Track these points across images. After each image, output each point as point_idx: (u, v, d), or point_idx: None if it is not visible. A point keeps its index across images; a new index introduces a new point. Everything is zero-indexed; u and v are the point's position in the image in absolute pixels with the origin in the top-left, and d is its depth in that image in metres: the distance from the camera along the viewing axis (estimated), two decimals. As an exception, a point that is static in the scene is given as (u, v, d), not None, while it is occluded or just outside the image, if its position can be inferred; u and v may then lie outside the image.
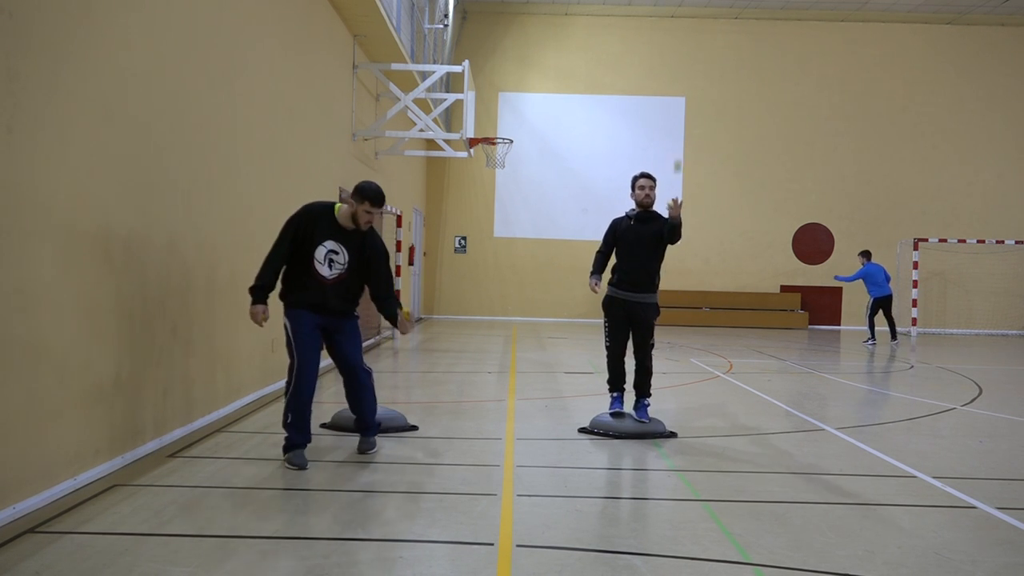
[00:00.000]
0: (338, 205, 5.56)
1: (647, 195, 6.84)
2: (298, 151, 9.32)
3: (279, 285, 5.61)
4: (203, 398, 6.57)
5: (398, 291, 14.78)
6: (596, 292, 7.03)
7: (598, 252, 7.19)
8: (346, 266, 5.45)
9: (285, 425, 5.52)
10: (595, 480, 5.37)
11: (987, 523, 4.54)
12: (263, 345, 8.15)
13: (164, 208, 5.76)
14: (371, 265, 5.56)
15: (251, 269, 7.67)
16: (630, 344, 6.87)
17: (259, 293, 5.46)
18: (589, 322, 21.40)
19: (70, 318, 4.58)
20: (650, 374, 6.81)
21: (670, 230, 6.52)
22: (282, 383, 8.67)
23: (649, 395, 6.82)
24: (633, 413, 6.74)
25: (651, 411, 7.01)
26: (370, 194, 5.38)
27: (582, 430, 6.74)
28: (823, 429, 7.15)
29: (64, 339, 4.53)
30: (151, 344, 5.59)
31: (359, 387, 5.78)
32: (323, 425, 6.68)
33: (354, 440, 6.17)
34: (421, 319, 21.05)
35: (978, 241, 20.90)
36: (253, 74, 7.70)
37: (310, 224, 5.42)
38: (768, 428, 7.17)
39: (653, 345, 6.80)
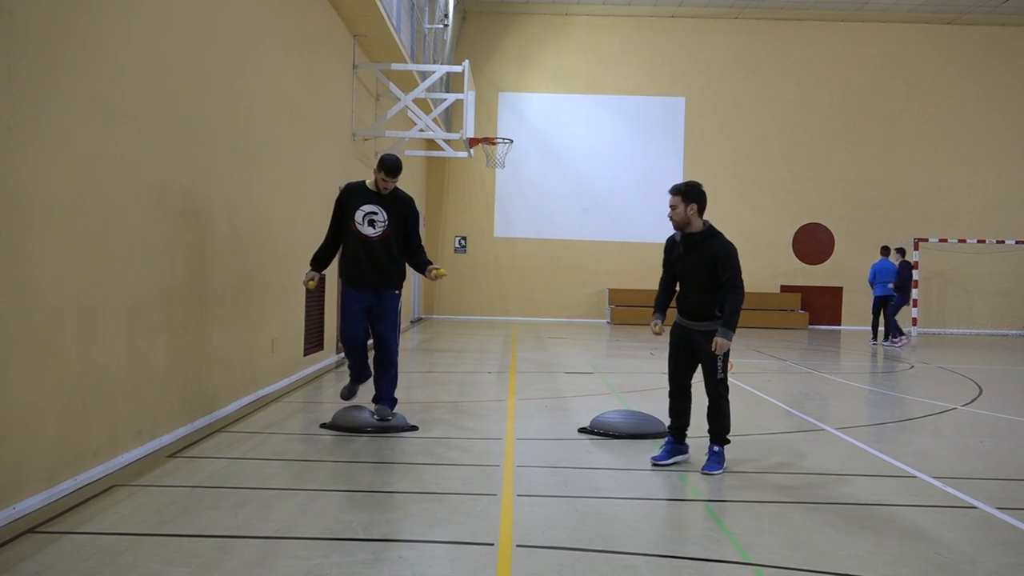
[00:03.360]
0: (368, 180, 6.64)
1: (670, 215, 5.71)
2: (298, 151, 9.32)
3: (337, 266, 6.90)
4: (203, 398, 6.57)
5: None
6: (657, 334, 6.01)
7: (660, 280, 6.01)
8: (387, 223, 6.50)
9: (348, 366, 6.86)
10: (595, 480, 5.37)
11: (987, 523, 4.54)
12: (263, 345, 8.15)
13: (163, 208, 5.76)
14: (407, 222, 6.61)
15: (252, 269, 7.72)
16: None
17: (314, 263, 6.68)
18: (589, 322, 21.41)
19: (70, 318, 4.58)
20: (724, 416, 5.63)
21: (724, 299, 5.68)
22: (282, 383, 8.75)
23: (723, 442, 5.63)
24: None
25: (651, 411, 7.00)
26: (384, 164, 6.44)
27: (582, 430, 6.73)
28: (823, 429, 7.15)
29: (64, 339, 4.53)
30: (151, 344, 5.59)
31: (385, 367, 6.64)
32: (323, 425, 6.68)
33: (354, 440, 6.21)
34: (421, 319, 21.05)
35: (978, 241, 20.90)
36: (253, 74, 7.69)
37: (348, 197, 6.57)
38: (768, 428, 7.17)
39: (723, 381, 5.65)
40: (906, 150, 21.87)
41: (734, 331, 5.55)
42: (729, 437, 5.67)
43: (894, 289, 16.28)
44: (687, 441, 5.88)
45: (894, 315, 16.37)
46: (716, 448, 5.61)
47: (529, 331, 18.11)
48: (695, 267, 5.67)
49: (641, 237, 21.45)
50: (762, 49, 21.86)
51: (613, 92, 21.87)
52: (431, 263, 6.71)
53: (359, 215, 6.47)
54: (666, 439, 5.90)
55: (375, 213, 6.49)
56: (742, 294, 5.63)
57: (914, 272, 19.78)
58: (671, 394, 5.91)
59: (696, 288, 5.70)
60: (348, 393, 6.81)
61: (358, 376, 6.78)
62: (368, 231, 6.47)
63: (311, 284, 6.61)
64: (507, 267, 21.94)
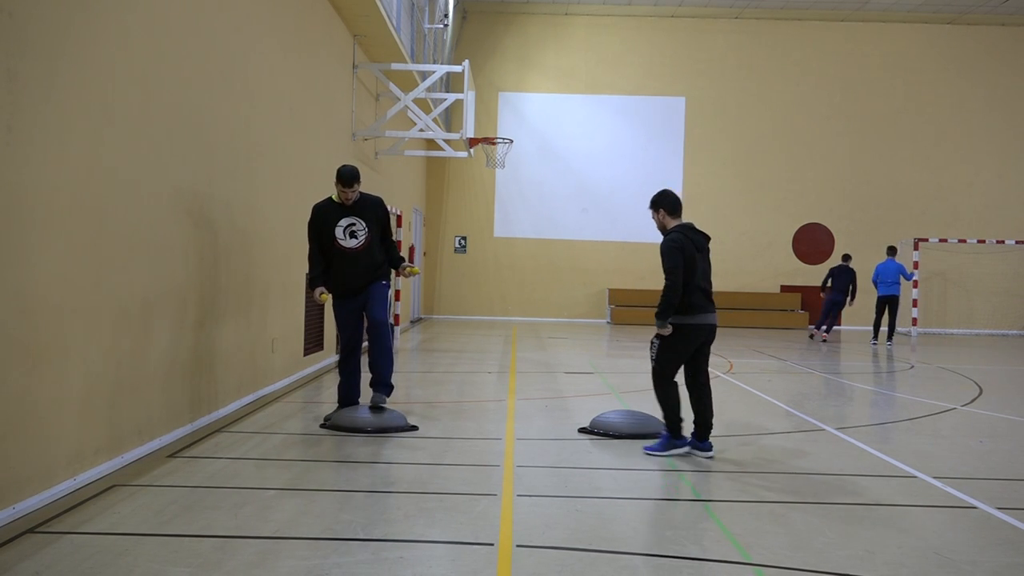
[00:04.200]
0: (333, 194, 6.73)
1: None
2: (298, 151, 9.32)
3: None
4: (203, 398, 6.57)
5: (398, 292, 14.90)
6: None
7: None
8: (367, 231, 6.61)
9: (338, 387, 6.96)
10: (595, 480, 5.36)
11: (987, 523, 4.54)
12: (263, 345, 8.15)
13: (163, 208, 5.76)
14: (382, 222, 6.73)
15: (252, 270, 7.72)
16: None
17: (314, 282, 6.75)
18: (589, 322, 21.41)
19: (70, 318, 4.58)
20: (660, 401, 6.04)
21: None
22: (282, 383, 8.75)
23: (666, 428, 5.99)
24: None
25: (651, 411, 6.95)
26: (339, 176, 6.56)
27: (582, 430, 6.73)
28: (823, 429, 7.15)
29: (64, 339, 4.53)
30: (151, 344, 5.59)
31: (379, 343, 6.67)
32: (322, 425, 6.68)
33: (354, 440, 6.21)
34: (421, 319, 21.05)
35: (978, 241, 20.90)
36: (253, 74, 7.69)
37: (321, 217, 6.66)
38: (768, 428, 7.17)
39: (654, 370, 6.04)
40: (906, 150, 21.87)
41: (661, 320, 5.89)
42: (697, 430, 5.98)
43: (838, 292, 16.92)
44: (711, 440, 6.01)
45: (835, 312, 17.01)
46: (664, 433, 6.00)
47: (529, 331, 18.11)
48: None
49: (641, 237, 21.44)
50: (762, 49, 21.86)
51: (613, 92, 21.87)
52: (403, 259, 6.94)
53: (339, 231, 6.59)
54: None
55: (354, 224, 6.61)
56: (669, 287, 5.85)
57: (914, 272, 19.78)
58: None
59: None
60: (329, 416, 6.76)
61: (346, 398, 6.83)
62: (351, 243, 6.59)
63: (324, 297, 6.69)
64: (507, 267, 21.94)
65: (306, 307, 9.80)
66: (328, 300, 6.78)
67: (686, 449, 5.96)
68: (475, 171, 21.60)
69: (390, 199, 14.45)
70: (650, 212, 6.21)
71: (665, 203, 6.13)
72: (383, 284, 6.79)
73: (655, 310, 5.91)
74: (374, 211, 6.71)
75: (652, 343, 6.05)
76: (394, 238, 7.02)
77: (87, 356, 4.77)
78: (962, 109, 21.82)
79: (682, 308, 5.86)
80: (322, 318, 10.57)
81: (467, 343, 14.86)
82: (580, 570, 3.67)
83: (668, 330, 5.89)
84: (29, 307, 4.21)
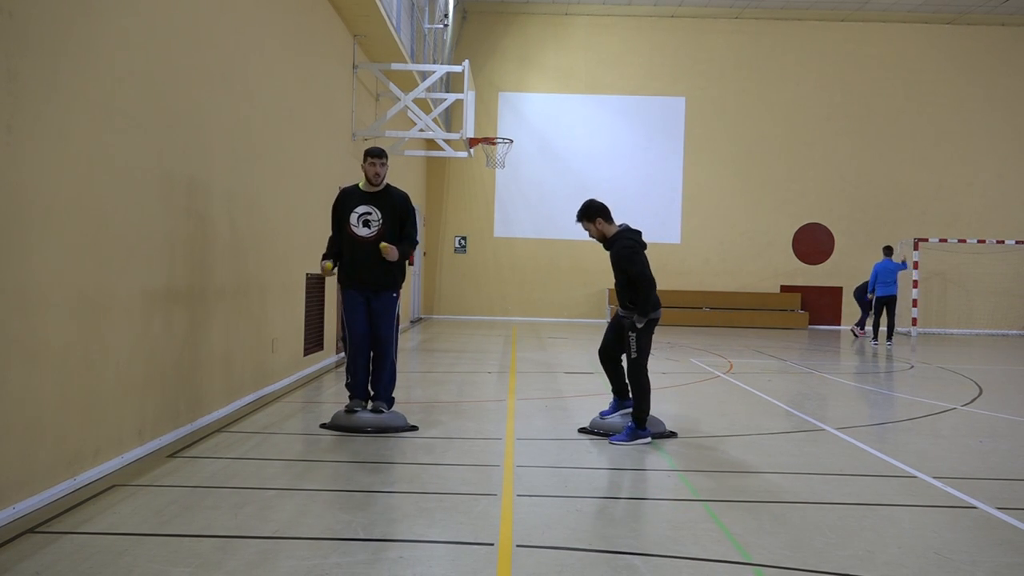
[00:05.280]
0: (361, 182, 6.65)
1: (591, 237, 6.66)
2: (298, 151, 9.32)
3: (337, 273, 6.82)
4: (203, 398, 6.57)
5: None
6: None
7: None
8: (380, 222, 6.52)
9: (346, 385, 6.73)
10: (595, 480, 5.37)
11: (987, 523, 4.53)
12: (263, 345, 8.15)
13: (163, 208, 5.76)
14: (402, 217, 6.64)
15: (252, 268, 7.72)
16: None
17: (324, 256, 6.76)
18: (589, 322, 21.40)
19: (70, 318, 4.58)
20: (639, 395, 6.34)
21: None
22: (282, 383, 8.74)
23: (636, 420, 6.32)
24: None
25: (651, 410, 6.99)
26: (367, 151, 6.57)
27: (582, 430, 6.73)
28: (823, 429, 7.15)
29: (64, 339, 4.53)
30: (151, 344, 5.59)
31: (380, 363, 6.66)
32: (323, 425, 6.68)
33: (354, 440, 6.22)
34: (421, 319, 21.05)
35: (978, 241, 20.90)
36: (253, 74, 7.69)
37: (342, 200, 6.66)
38: (768, 428, 7.17)
39: (635, 360, 6.35)
40: (906, 150, 21.88)
41: (644, 316, 6.30)
42: (663, 427, 6.48)
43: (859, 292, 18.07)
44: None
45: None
46: (630, 424, 6.32)
47: (529, 331, 18.11)
48: (612, 264, 6.49)
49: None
50: (762, 49, 21.87)
51: (613, 92, 21.87)
52: (408, 255, 6.72)
53: (353, 217, 6.52)
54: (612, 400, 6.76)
55: (369, 213, 6.52)
56: (647, 286, 6.27)
57: (914, 272, 19.81)
58: (602, 363, 6.78)
59: (616, 281, 6.50)
60: (347, 411, 6.56)
61: (360, 391, 6.60)
62: (363, 232, 6.50)
63: (328, 266, 6.60)
64: (507, 267, 21.95)
65: (306, 307, 9.80)
66: (331, 269, 6.61)
67: (648, 439, 6.31)
68: (475, 171, 21.60)
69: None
70: (583, 225, 6.53)
71: (600, 212, 6.47)
72: (393, 296, 6.65)
73: (638, 309, 6.30)
74: (393, 204, 6.56)
75: (630, 337, 6.36)
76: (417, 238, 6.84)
77: (87, 356, 4.77)
78: (962, 109, 21.82)
79: (654, 304, 6.37)
80: (322, 318, 10.58)
81: (467, 343, 14.86)
82: (580, 570, 3.67)
83: (643, 323, 6.30)
84: (29, 306, 4.21)
